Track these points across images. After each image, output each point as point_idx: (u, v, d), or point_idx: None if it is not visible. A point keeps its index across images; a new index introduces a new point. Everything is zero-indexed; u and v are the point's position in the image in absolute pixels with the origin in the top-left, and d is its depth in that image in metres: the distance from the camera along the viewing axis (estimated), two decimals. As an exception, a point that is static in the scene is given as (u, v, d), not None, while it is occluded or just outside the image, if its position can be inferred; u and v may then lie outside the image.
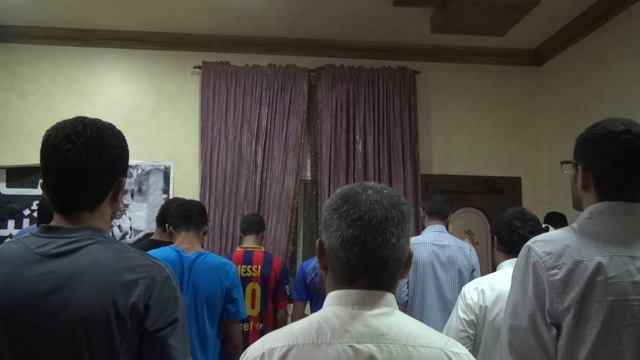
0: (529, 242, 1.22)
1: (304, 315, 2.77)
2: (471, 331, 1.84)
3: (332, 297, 0.94)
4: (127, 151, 1.17)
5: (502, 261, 1.96)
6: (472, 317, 1.84)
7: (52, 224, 1.09)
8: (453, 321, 1.91)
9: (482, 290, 1.84)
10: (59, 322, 0.98)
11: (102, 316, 0.99)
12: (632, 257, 1.13)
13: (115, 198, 1.16)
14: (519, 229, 1.91)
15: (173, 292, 1.07)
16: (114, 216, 1.20)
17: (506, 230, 1.94)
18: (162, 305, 1.04)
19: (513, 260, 1.89)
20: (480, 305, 1.82)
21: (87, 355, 0.98)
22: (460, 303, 1.91)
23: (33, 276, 1.01)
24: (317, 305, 2.84)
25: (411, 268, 2.68)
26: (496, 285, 1.83)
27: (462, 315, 1.87)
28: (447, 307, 2.62)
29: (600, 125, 1.24)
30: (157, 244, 2.64)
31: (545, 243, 1.19)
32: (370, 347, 0.86)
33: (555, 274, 1.13)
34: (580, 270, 1.12)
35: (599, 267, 1.11)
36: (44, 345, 0.99)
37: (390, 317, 0.90)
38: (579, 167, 1.28)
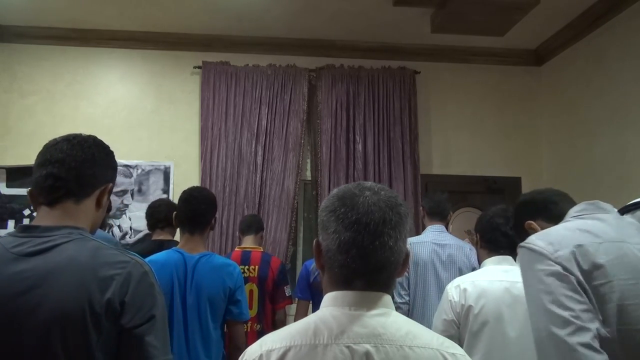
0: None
1: (307, 315, 2.76)
2: (452, 331, 1.82)
3: (329, 298, 0.94)
4: (116, 163, 1.25)
5: (485, 259, 1.96)
6: (453, 317, 1.83)
7: (33, 222, 1.10)
8: (435, 322, 1.90)
9: (465, 289, 1.83)
10: (34, 320, 0.98)
11: (77, 313, 0.98)
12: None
13: (100, 203, 1.17)
14: (500, 225, 1.91)
15: (151, 289, 1.06)
16: (97, 223, 1.21)
17: (488, 228, 1.95)
18: (139, 301, 1.03)
19: (496, 258, 1.90)
20: (462, 304, 1.81)
21: (62, 354, 0.97)
22: (442, 302, 1.91)
23: (8, 275, 1.01)
24: (319, 305, 2.81)
25: (412, 267, 2.71)
26: (479, 283, 1.83)
27: (443, 315, 1.86)
28: (448, 305, 2.62)
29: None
30: (162, 244, 2.65)
31: (540, 237, 1.25)
32: (366, 348, 0.86)
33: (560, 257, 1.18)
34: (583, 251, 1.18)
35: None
36: (19, 344, 0.98)
37: (387, 318, 0.90)
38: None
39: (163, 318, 1.07)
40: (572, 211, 1.36)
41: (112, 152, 1.23)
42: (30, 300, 0.99)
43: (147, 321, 1.02)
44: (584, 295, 1.13)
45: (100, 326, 0.99)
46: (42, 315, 0.98)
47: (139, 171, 4.01)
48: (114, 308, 1.00)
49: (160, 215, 2.87)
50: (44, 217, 1.10)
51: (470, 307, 1.80)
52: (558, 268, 1.16)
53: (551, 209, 1.52)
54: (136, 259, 1.08)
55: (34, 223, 1.10)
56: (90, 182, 1.14)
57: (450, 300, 1.85)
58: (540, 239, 1.23)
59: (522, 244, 1.28)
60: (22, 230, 1.08)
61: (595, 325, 1.10)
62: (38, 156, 1.14)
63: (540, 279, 1.19)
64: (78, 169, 1.12)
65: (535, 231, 1.46)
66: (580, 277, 1.14)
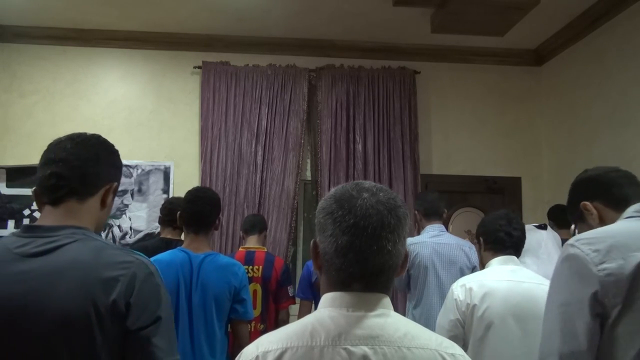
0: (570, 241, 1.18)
1: None
2: (457, 331, 1.82)
3: (326, 299, 0.93)
4: (121, 162, 1.24)
5: (490, 260, 1.96)
6: (458, 316, 1.84)
7: (37, 222, 1.10)
8: (441, 321, 1.91)
9: (470, 288, 1.84)
10: (36, 322, 0.97)
11: (81, 316, 0.97)
12: None
13: (105, 202, 1.16)
14: (503, 226, 1.95)
15: (156, 289, 1.05)
16: (102, 223, 1.20)
17: (491, 229, 1.97)
18: (144, 302, 1.01)
19: (501, 258, 1.91)
20: (468, 303, 1.82)
21: (67, 356, 0.96)
22: (447, 302, 1.91)
23: (10, 275, 1.00)
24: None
25: (413, 268, 2.71)
26: (485, 282, 1.84)
27: (450, 315, 1.87)
28: (449, 305, 2.62)
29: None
30: (169, 242, 2.65)
31: (590, 240, 1.13)
32: (364, 350, 0.85)
33: (605, 269, 1.07)
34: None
35: None
36: (22, 346, 0.97)
37: (385, 319, 0.89)
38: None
39: (169, 319, 1.06)
40: (631, 210, 1.22)
41: (116, 151, 1.22)
42: (33, 303, 0.97)
43: (152, 323, 1.01)
44: (598, 328, 1.07)
45: (105, 328, 0.97)
46: (45, 318, 0.97)
47: (139, 171, 4.01)
48: (119, 309, 0.98)
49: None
50: (47, 216, 1.09)
51: (474, 306, 1.80)
52: (589, 290, 1.07)
53: (614, 192, 1.33)
54: (141, 259, 1.07)
55: (37, 223, 1.09)
56: (93, 181, 1.13)
57: (455, 299, 1.85)
58: (589, 243, 1.11)
59: (569, 241, 1.17)
60: (26, 230, 1.07)
61: None
62: (42, 155, 1.13)
63: (567, 299, 1.11)
64: (81, 167, 1.11)
65: (590, 214, 1.35)
66: (617, 300, 1.05)
